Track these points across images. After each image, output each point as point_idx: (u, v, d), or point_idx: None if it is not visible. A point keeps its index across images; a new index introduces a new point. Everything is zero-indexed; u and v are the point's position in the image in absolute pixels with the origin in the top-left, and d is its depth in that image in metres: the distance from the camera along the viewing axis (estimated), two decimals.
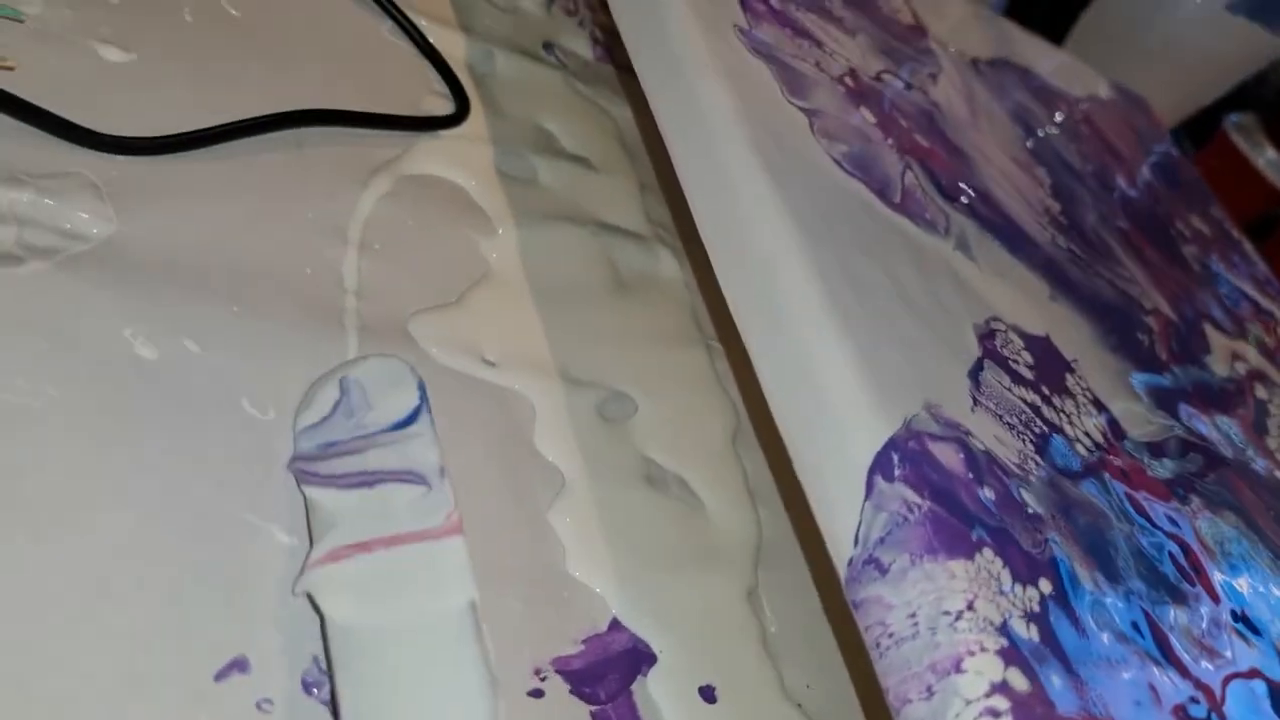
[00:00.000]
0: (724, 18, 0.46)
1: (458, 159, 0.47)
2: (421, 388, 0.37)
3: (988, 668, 0.32)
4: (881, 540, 0.34)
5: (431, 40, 0.51)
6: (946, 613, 0.33)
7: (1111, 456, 0.44)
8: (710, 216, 0.42)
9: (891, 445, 0.35)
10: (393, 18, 0.51)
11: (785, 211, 0.40)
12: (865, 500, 0.35)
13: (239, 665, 0.31)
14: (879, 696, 0.43)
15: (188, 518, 0.32)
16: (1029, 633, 0.34)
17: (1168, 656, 0.37)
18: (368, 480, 0.35)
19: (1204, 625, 0.41)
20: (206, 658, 0.30)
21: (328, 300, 0.39)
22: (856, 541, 0.35)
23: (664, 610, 0.40)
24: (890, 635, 0.33)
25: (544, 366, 0.43)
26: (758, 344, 0.39)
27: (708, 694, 0.39)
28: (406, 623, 0.33)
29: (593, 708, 0.36)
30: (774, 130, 0.43)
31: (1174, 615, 0.40)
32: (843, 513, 0.35)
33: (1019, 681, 0.32)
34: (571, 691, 0.36)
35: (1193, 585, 0.42)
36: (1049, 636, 0.34)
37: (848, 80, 0.50)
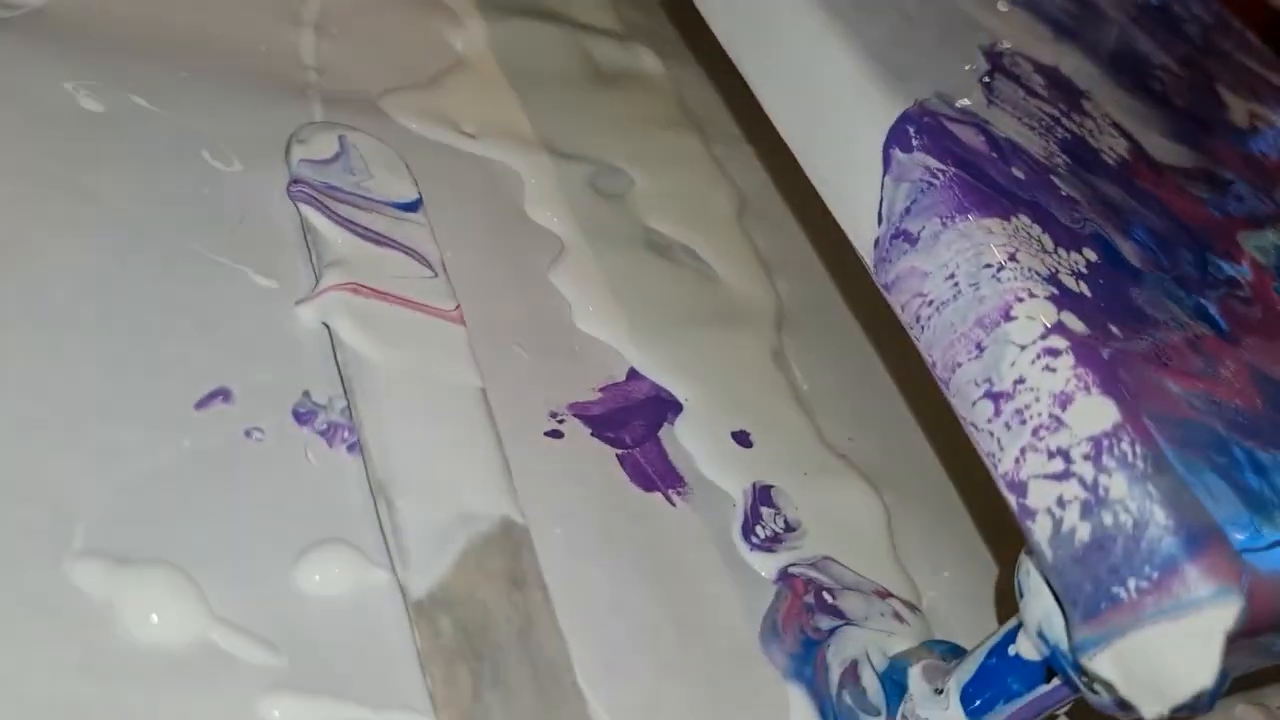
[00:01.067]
0: None
1: None
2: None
3: (1040, 311, 0.29)
4: (907, 210, 0.31)
5: None
6: (988, 265, 0.30)
7: (1141, 170, 0.41)
8: None
9: (906, 119, 0.32)
10: None
11: None
12: (884, 175, 0.32)
13: (222, 395, 0.28)
14: (941, 438, 0.41)
15: (154, 258, 0.30)
16: (1079, 288, 0.31)
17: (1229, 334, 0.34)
18: (377, 239, 0.33)
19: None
20: (185, 388, 0.28)
21: (286, 73, 0.37)
22: (880, 220, 0.32)
23: (685, 362, 0.37)
24: (930, 304, 0.31)
25: (526, 139, 0.40)
26: (752, 62, 0.36)
27: (742, 439, 0.36)
28: (422, 378, 0.31)
29: (618, 451, 0.34)
30: None
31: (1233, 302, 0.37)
32: (862, 195, 0.32)
33: (1076, 324, 0.29)
34: (593, 435, 0.34)
35: (1248, 288, 0.39)
36: (1102, 295, 0.31)
37: None
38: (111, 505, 0.25)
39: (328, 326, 0.31)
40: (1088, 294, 0.31)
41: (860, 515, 0.36)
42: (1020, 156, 0.35)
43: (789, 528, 0.34)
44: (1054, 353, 0.28)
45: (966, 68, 0.38)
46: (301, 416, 0.29)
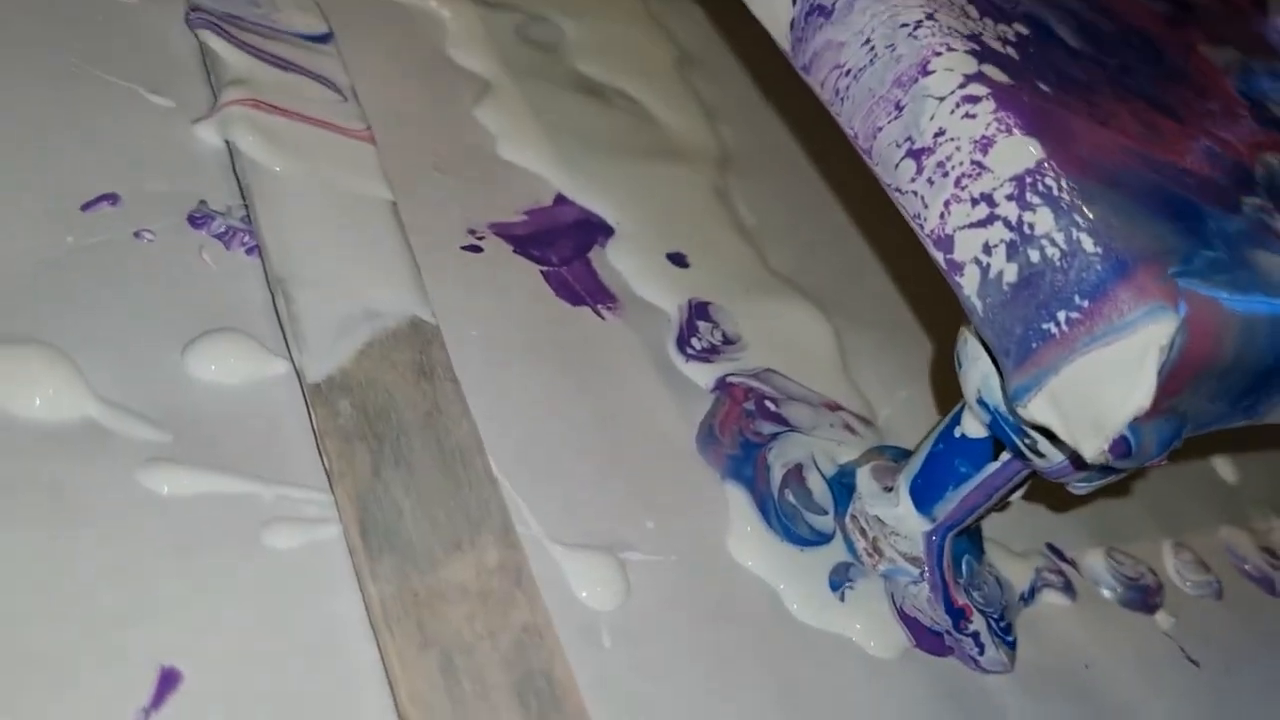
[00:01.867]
0: None
1: None
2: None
3: (958, 63, 0.28)
4: None
5: None
6: (904, 25, 0.28)
7: None
8: None
9: None
10: None
11: None
12: None
13: (108, 199, 0.27)
14: (892, 271, 0.39)
15: (42, 76, 0.29)
16: (1006, 52, 0.29)
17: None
18: (282, 64, 0.32)
19: None
20: (71, 192, 0.27)
21: None
22: (794, 1, 0.31)
23: (618, 189, 0.36)
24: (847, 73, 0.29)
25: None
26: None
27: (678, 259, 0.35)
28: (328, 188, 0.30)
29: (543, 269, 0.32)
30: None
31: None
32: None
33: (998, 75, 0.28)
34: (516, 251, 0.32)
35: (1207, 88, 0.37)
36: (1033, 63, 0.30)
37: None
38: None
39: (228, 144, 0.30)
40: (1014, 57, 0.29)
41: (807, 334, 0.35)
42: None
43: (727, 340, 0.33)
44: (973, 99, 0.27)
45: None
46: (197, 221, 0.28)
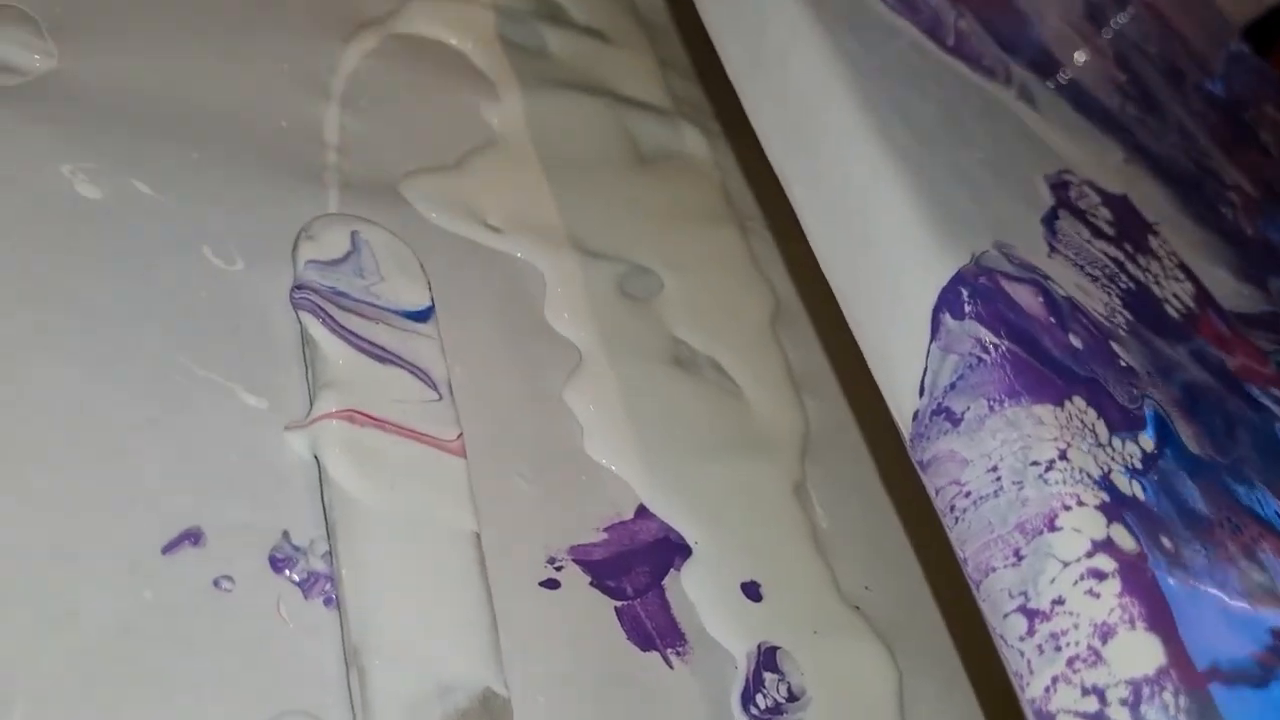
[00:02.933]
0: None
1: (456, 21, 0.42)
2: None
3: (1087, 523, 0.26)
4: (952, 386, 0.29)
5: None
6: (1035, 463, 0.27)
7: (1206, 321, 0.39)
8: (742, 58, 0.36)
9: (959, 279, 0.30)
10: None
11: (829, 47, 0.35)
12: (931, 342, 0.29)
13: (191, 537, 0.26)
14: (957, 601, 0.38)
15: (137, 372, 0.28)
16: (1132, 490, 0.28)
17: None
18: (380, 355, 0.31)
19: None
20: (153, 528, 0.26)
21: (305, 154, 0.35)
22: (922, 391, 0.29)
23: (699, 498, 0.35)
24: (967, 495, 0.28)
25: (555, 235, 0.38)
26: (802, 192, 0.34)
27: (751, 591, 0.34)
28: (414, 521, 0.29)
29: (618, 603, 0.31)
30: None
31: None
32: (904, 360, 0.30)
33: (1125, 540, 0.27)
34: (593, 584, 0.31)
35: None
36: (1156, 497, 0.29)
37: None
38: (56, 679, 0.23)
39: (316, 458, 0.28)
40: (1140, 498, 0.28)
41: (871, 681, 0.34)
42: (1080, 319, 0.32)
43: (792, 697, 0.32)
44: (1099, 575, 0.26)
45: (1030, 206, 0.36)
46: (278, 563, 0.27)
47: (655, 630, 0.31)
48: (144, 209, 0.30)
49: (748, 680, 0.32)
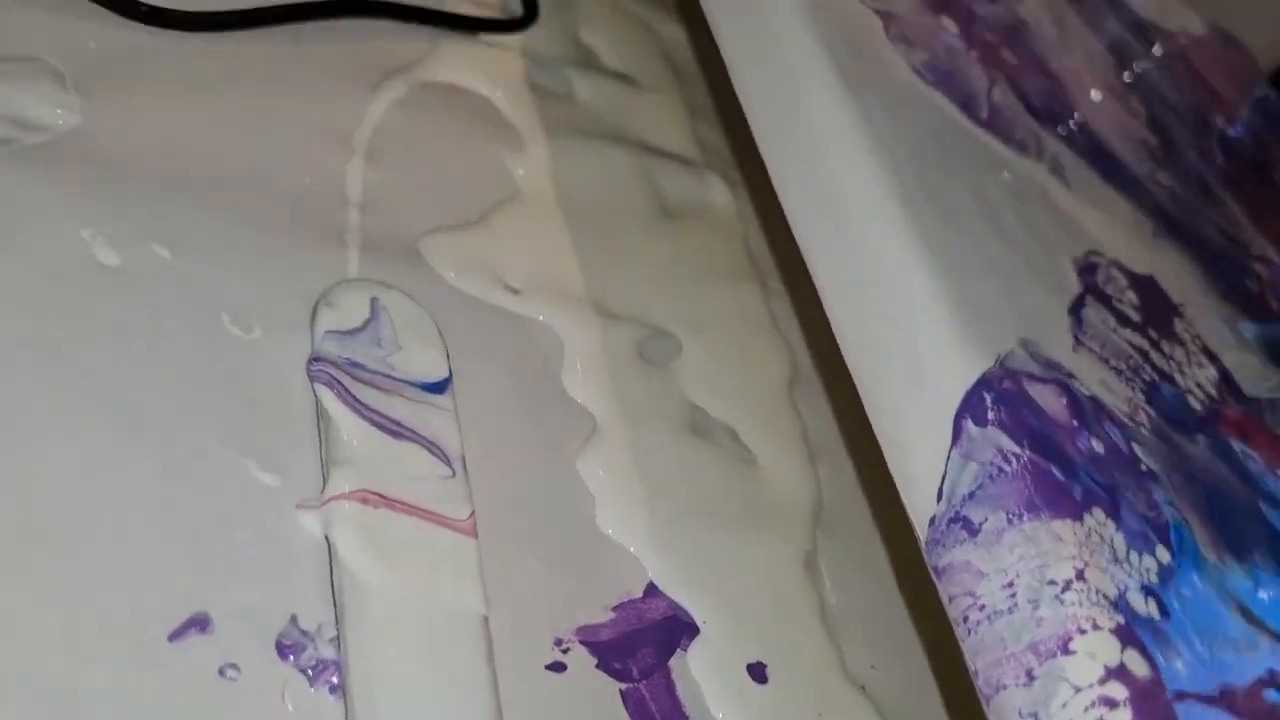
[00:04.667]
0: None
1: (484, 68, 0.42)
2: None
3: (1101, 648, 0.26)
4: (971, 495, 0.29)
5: None
6: (1052, 582, 0.27)
7: (1228, 412, 0.38)
8: (771, 127, 0.36)
9: (983, 384, 0.29)
10: None
11: (860, 123, 0.34)
12: (952, 448, 0.29)
13: (198, 624, 0.26)
14: (961, 681, 0.38)
15: (149, 450, 0.27)
16: (1147, 608, 0.28)
17: None
18: (395, 430, 0.30)
19: None
20: (159, 612, 0.26)
21: (327, 212, 0.34)
22: (940, 497, 0.29)
23: (709, 575, 0.34)
24: (981, 608, 0.28)
25: (575, 297, 0.38)
26: (826, 273, 0.33)
27: (757, 673, 0.33)
28: (423, 606, 0.28)
29: (623, 685, 0.31)
30: (846, 32, 0.38)
31: None
32: (924, 463, 0.30)
33: (1138, 666, 0.26)
34: (598, 666, 0.31)
35: None
36: (1169, 614, 0.28)
37: None
38: None
39: (327, 538, 0.28)
40: (1155, 616, 0.28)
41: None
42: (1103, 421, 0.32)
43: None
44: (1111, 703, 0.26)
45: (1058, 295, 0.35)
46: (285, 649, 0.27)
47: (659, 714, 0.31)
48: (162, 275, 0.30)
49: None
